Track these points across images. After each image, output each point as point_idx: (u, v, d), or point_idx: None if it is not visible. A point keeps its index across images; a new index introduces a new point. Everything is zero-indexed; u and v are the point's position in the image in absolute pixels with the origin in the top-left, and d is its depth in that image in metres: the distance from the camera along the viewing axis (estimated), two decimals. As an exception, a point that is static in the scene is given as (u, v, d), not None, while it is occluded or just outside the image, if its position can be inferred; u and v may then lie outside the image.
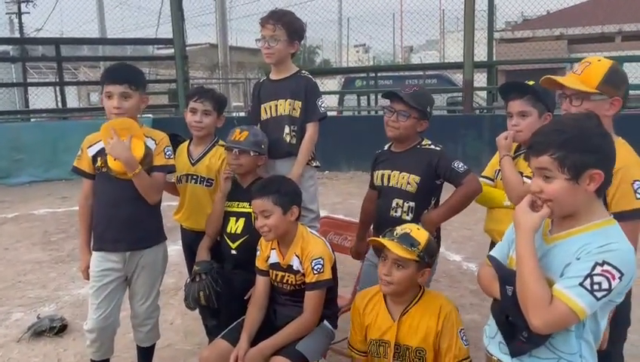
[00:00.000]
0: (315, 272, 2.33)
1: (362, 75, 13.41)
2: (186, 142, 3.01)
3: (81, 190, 2.68)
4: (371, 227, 2.83)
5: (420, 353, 2.13)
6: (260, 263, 2.50)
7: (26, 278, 4.69)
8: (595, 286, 1.39)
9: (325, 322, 2.44)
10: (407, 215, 2.57)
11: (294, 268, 2.39)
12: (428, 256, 2.13)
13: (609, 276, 1.39)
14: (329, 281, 2.37)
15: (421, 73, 12.50)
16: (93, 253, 2.61)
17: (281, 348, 2.27)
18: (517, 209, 1.57)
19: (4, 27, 19.19)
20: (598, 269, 1.39)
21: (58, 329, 3.60)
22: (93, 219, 2.64)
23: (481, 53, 10.76)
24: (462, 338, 2.13)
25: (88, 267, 2.62)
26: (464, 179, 2.47)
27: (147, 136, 2.59)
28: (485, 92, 11.45)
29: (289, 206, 2.36)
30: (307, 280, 2.35)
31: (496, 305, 1.68)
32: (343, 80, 14.48)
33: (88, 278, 2.63)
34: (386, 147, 2.78)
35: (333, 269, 2.43)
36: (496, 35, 16.66)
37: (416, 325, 2.14)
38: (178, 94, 10.16)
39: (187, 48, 10.54)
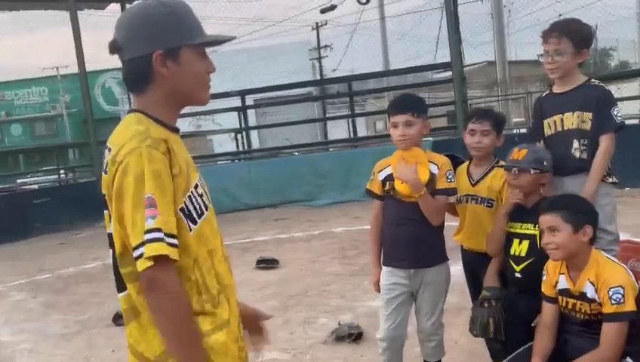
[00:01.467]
0: (614, 302, 2.10)
1: (673, 73, 11.35)
2: (466, 163, 3.07)
3: (372, 210, 2.99)
4: None
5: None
6: (547, 289, 2.37)
7: (329, 288, 5.37)
8: None
9: (627, 359, 2.16)
10: None
11: (588, 295, 2.20)
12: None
13: None
14: (631, 314, 2.10)
15: None
16: (383, 267, 2.87)
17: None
18: None
19: (308, 71, 22.51)
20: None
21: (355, 336, 4.02)
22: (382, 237, 2.91)
23: None
24: None
25: (378, 280, 2.90)
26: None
27: (430, 161, 2.75)
28: None
29: (581, 224, 2.20)
30: (604, 310, 2.14)
31: None
32: (646, 82, 12.51)
33: (379, 291, 2.90)
34: None
35: (638, 300, 2.15)
36: None
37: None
38: (457, 116, 10.31)
39: (465, 69, 10.65)
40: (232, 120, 12.41)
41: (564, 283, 2.29)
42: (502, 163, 2.87)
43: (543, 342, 2.30)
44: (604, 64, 25.30)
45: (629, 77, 15.51)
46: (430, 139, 9.88)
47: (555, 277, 2.33)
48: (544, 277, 2.39)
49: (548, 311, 2.35)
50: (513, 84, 16.02)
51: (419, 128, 2.74)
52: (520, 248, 2.65)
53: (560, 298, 2.31)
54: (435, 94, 15.18)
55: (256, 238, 8.12)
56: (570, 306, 2.27)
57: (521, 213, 2.68)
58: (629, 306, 2.09)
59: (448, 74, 11.12)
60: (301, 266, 6.31)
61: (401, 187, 2.71)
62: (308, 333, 4.31)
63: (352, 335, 4.02)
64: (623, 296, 2.09)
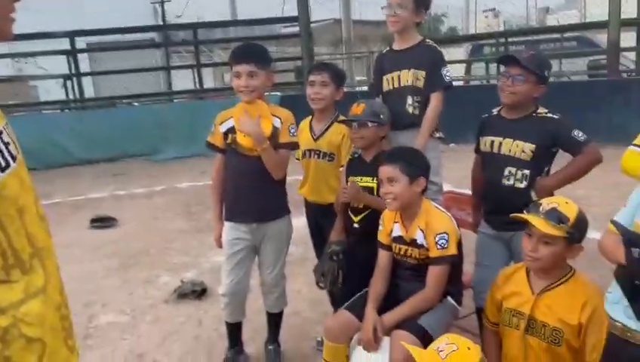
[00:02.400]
0: (439, 247, 2.28)
1: (491, 41, 12.66)
2: (309, 118, 3.08)
3: (213, 164, 2.88)
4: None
5: (556, 334, 2.01)
6: (382, 237, 2.50)
7: (172, 246, 5.18)
8: None
9: (449, 298, 2.39)
10: (521, 183, 2.50)
11: (418, 242, 2.36)
12: (578, 232, 1.99)
13: None
14: (453, 257, 2.31)
15: (558, 36, 11.48)
16: (225, 222, 2.80)
17: (402, 322, 2.27)
18: None
19: (150, 16, 20.92)
20: None
21: (199, 292, 3.94)
22: (224, 191, 2.82)
23: (629, 10, 9.60)
24: None
25: (221, 236, 2.83)
26: (585, 148, 2.38)
27: (274, 115, 2.70)
28: (635, 53, 10.23)
29: (416, 176, 2.33)
30: (431, 254, 2.31)
31: (620, 271, 1.65)
32: (470, 48, 13.81)
33: (221, 246, 2.84)
34: (494, 112, 2.67)
35: (459, 245, 2.36)
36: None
37: (557, 306, 2.02)
38: (303, 71, 10.41)
39: (312, 25, 10.72)
40: (60, 65, 11.09)
41: (397, 231, 2.44)
42: (342, 118, 2.93)
43: (377, 286, 2.43)
44: (436, 30, 27.31)
45: (458, 41, 17.00)
46: (278, 93, 9.89)
47: (390, 226, 2.46)
48: (380, 227, 2.52)
49: (383, 257, 2.49)
50: (357, 43, 16.61)
51: (262, 80, 2.65)
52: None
53: (394, 245, 2.46)
54: (283, 49, 15.14)
55: (91, 195, 7.51)
56: (402, 252, 2.43)
57: (360, 166, 2.77)
58: (452, 250, 2.29)
59: (296, 29, 11.12)
60: (142, 224, 5.99)
61: (243, 140, 2.63)
62: (149, 293, 4.12)
63: (196, 292, 3.94)
64: (447, 241, 2.28)
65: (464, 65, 13.25)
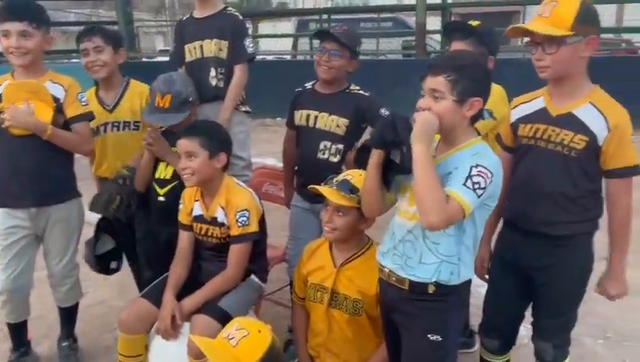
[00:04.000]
0: (240, 225, 2.20)
1: (316, 17, 12.96)
2: (92, 90, 2.75)
3: None
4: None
5: (357, 304, 2.09)
6: (182, 217, 2.35)
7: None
8: (476, 185, 1.55)
9: (252, 276, 2.34)
10: (335, 157, 2.53)
11: (219, 220, 2.25)
12: None
13: (483, 175, 1.56)
14: (255, 234, 2.25)
15: (376, 16, 12.15)
16: (-2, 209, 2.41)
17: (202, 306, 2.15)
18: (418, 116, 1.61)
19: None
20: (474, 171, 1.56)
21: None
22: None
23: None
24: None
25: None
26: None
27: (54, 82, 2.37)
28: (440, 35, 11.27)
29: (217, 151, 2.20)
30: (232, 233, 2.22)
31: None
32: (297, 23, 14.00)
33: None
34: (308, 85, 2.67)
35: (261, 222, 2.30)
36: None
37: (356, 278, 2.08)
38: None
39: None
40: None
41: (198, 209, 2.30)
42: (135, 82, 2.76)
43: (177, 270, 2.28)
44: (267, 2, 27.26)
45: (277, 16, 17.11)
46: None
47: (190, 205, 2.32)
48: (181, 206, 2.36)
49: (184, 238, 2.35)
50: (183, 8, 15.80)
51: (38, 42, 2.29)
52: (166, 171, 2.54)
53: (195, 224, 2.32)
54: (96, 11, 13.79)
55: None
56: (203, 231, 2.30)
57: (169, 137, 2.55)
58: (253, 227, 2.23)
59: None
60: None
61: (16, 130, 2.31)
62: None
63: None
64: (248, 218, 2.21)
65: (291, 39, 13.41)
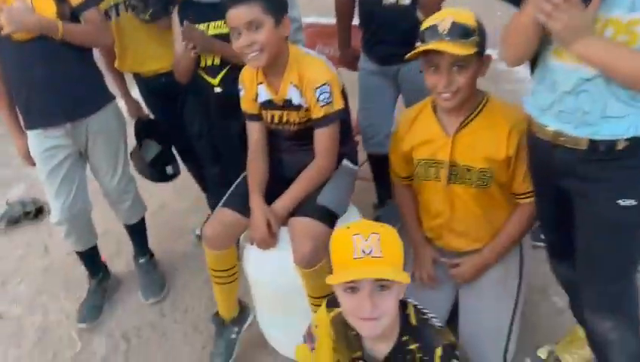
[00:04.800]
0: (323, 103, 1.75)
1: None
2: None
3: None
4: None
5: (483, 174, 1.69)
6: (247, 105, 1.92)
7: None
8: None
9: (345, 161, 1.94)
10: None
11: (294, 102, 1.80)
12: (484, 38, 1.58)
13: None
14: (341, 112, 1.81)
15: None
16: (27, 133, 2.02)
17: (298, 206, 1.81)
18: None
19: None
20: None
21: (34, 213, 3.17)
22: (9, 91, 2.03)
23: None
24: None
25: (28, 152, 2.07)
26: None
27: None
28: None
29: (281, 14, 1.71)
30: (314, 115, 1.79)
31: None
32: None
33: (33, 164, 2.08)
34: None
35: (343, 94, 1.85)
36: None
37: (479, 143, 1.67)
38: None
39: None
40: None
41: (265, 94, 1.85)
42: None
43: (255, 169, 1.90)
44: None
45: None
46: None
47: (253, 90, 1.87)
48: (241, 92, 1.92)
49: (254, 131, 1.94)
50: None
51: None
52: (213, 55, 2.08)
53: (264, 112, 1.90)
54: None
55: None
56: (277, 119, 1.88)
57: (203, 8, 2.04)
58: (338, 104, 1.79)
59: None
60: None
61: (19, 35, 1.86)
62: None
63: (30, 214, 3.15)
64: (331, 93, 1.75)
65: None
